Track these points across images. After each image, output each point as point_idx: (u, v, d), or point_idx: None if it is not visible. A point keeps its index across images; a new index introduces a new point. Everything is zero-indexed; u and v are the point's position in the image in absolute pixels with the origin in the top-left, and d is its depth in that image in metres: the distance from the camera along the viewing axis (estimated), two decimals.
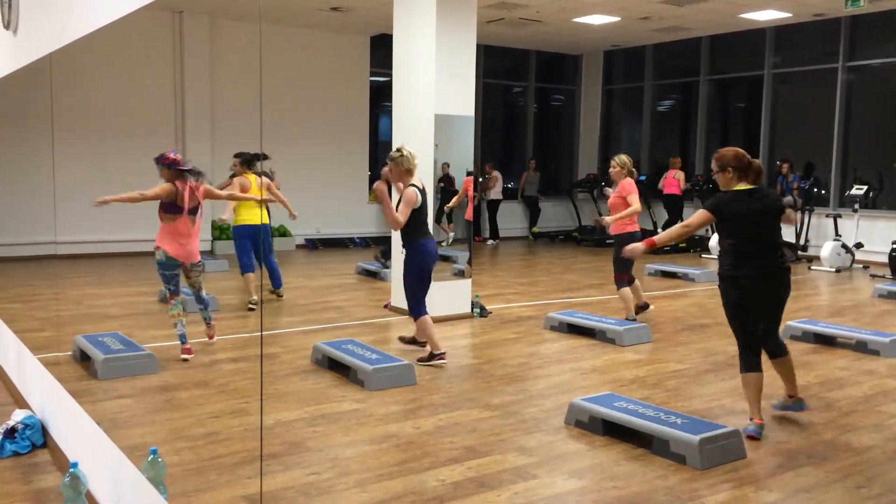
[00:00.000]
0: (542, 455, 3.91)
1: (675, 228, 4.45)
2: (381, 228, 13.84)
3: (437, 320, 6.87)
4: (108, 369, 5.09)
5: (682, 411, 4.34)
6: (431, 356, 5.66)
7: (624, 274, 7.02)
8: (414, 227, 5.55)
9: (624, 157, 7.04)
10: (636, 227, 6.99)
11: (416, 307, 5.65)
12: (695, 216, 4.32)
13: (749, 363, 4.22)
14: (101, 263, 9.66)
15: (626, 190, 6.91)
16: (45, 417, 4.12)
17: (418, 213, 5.51)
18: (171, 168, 5.37)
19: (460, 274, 7.59)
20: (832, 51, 12.37)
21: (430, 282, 5.72)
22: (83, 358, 5.48)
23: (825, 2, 10.86)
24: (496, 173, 14.52)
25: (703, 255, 12.46)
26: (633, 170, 7.09)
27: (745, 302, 4.21)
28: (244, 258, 7.56)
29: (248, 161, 7.39)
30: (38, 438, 4.01)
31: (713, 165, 4.35)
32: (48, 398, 4.13)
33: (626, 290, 7.05)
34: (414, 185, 5.51)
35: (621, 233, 6.88)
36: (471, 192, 7.62)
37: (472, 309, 7.43)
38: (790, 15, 11.80)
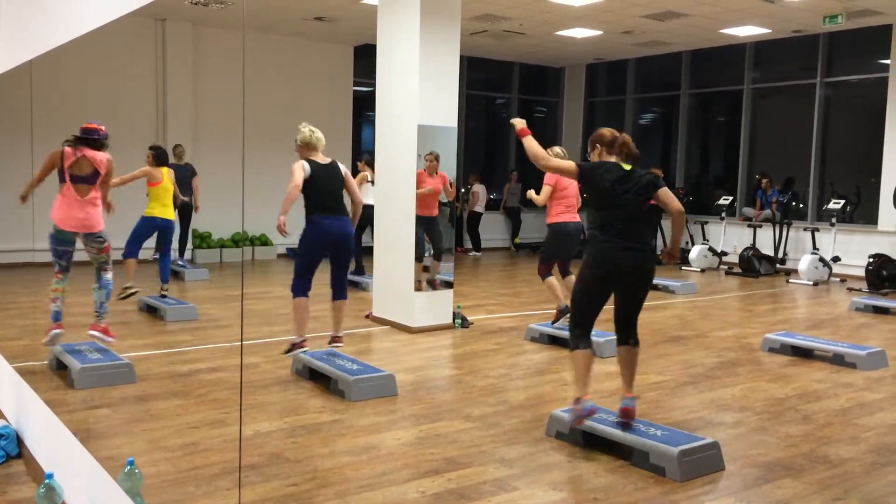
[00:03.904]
0: (523, 467, 3.91)
1: (536, 148, 4.36)
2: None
3: (418, 330, 6.89)
4: (85, 379, 5.03)
5: (661, 423, 4.36)
6: (292, 346, 5.56)
7: (545, 266, 6.86)
8: (311, 202, 5.46)
9: (557, 149, 6.73)
10: (568, 218, 6.75)
11: (295, 285, 5.52)
12: (564, 162, 4.47)
13: (584, 342, 4.18)
14: (79, 271, 9.53)
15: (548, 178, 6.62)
16: (21, 427, 4.06)
17: (311, 187, 5.43)
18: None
19: (443, 284, 7.59)
20: (810, 66, 12.55)
21: (318, 262, 5.56)
22: (60, 367, 5.41)
23: (804, 18, 11.03)
24: (475, 188, 14.40)
25: (682, 268, 12.55)
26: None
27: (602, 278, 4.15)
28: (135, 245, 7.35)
29: (161, 156, 7.38)
30: (12, 449, 3.95)
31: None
32: (23, 408, 4.07)
33: (552, 279, 6.86)
34: (305, 160, 5.55)
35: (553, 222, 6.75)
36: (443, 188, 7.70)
37: (454, 320, 7.43)
38: (769, 31, 11.97)
